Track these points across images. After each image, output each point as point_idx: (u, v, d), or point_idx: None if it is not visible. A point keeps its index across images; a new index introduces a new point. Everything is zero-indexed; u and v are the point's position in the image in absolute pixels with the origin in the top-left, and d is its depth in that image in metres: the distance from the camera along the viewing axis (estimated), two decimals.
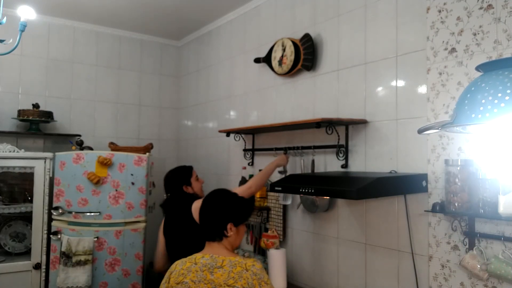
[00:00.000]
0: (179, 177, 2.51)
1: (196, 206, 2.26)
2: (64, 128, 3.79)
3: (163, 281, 1.72)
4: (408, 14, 2.12)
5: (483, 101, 1.08)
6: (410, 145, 2.06)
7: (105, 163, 3.01)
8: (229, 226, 1.73)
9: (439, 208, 1.84)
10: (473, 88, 1.14)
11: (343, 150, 2.38)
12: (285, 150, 2.73)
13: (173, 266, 1.72)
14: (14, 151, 3.08)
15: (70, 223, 3.01)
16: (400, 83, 2.14)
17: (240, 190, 2.31)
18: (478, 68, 1.22)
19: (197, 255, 1.71)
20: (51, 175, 3.14)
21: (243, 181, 3.07)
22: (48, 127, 3.68)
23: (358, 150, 2.34)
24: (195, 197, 2.43)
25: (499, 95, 1.06)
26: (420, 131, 1.40)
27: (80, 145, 3.41)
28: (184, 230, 2.31)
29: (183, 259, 1.72)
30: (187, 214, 2.29)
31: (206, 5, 3.43)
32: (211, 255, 1.68)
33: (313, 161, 2.55)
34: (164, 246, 2.46)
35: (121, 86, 4.14)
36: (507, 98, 1.04)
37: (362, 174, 2.08)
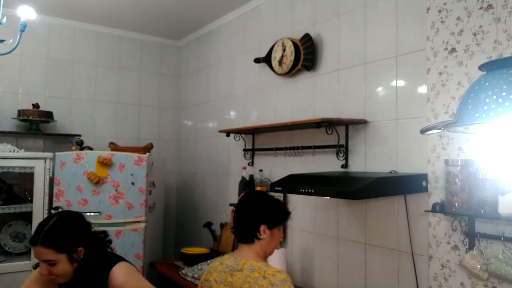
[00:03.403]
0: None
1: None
2: (64, 128, 3.78)
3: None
4: (408, 14, 2.12)
5: (487, 100, 1.08)
6: (410, 145, 2.06)
7: (105, 163, 3.01)
8: (262, 228, 1.66)
9: (439, 208, 1.84)
10: (476, 88, 1.14)
11: (343, 150, 2.38)
12: None
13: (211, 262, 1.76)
14: (14, 151, 3.08)
15: None
16: (400, 83, 2.14)
17: None
18: (481, 67, 1.21)
19: (226, 256, 1.72)
20: (51, 175, 3.14)
21: (243, 181, 3.07)
22: (48, 127, 3.68)
23: (358, 150, 2.34)
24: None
25: (503, 94, 1.06)
26: (423, 131, 1.39)
27: (80, 145, 3.41)
28: None
29: (217, 258, 1.75)
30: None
31: (206, 5, 3.43)
32: (235, 258, 1.67)
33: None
34: None
35: (121, 86, 4.14)
36: (511, 97, 1.04)
37: (362, 174, 2.08)
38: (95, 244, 1.71)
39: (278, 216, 1.75)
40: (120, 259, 1.75)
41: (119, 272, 1.66)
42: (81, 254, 1.64)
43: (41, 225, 1.62)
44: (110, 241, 1.79)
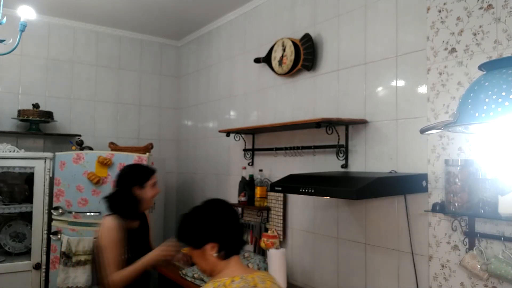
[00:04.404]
0: (135, 176, 2.20)
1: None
2: (64, 128, 3.78)
3: None
4: (408, 14, 2.12)
5: (487, 100, 1.07)
6: (410, 145, 2.06)
7: (105, 163, 3.01)
8: None
9: (439, 208, 1.84)
10: (476, 87, 1.14)
11: (343, 150, 2.38)
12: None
13: None
14: (14, 151, 3.08)
15: (70, 223, 3.01)
16: (400, 83, 2.14)
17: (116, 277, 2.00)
18: (480, 67, 1.21)
19: (226, 280, 1.36)
20: (51, 175, 3.14)
21: (243, 181, 3.07)
22: (48, 127, 3.68)
23: (358, 150, 2.34)
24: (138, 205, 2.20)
25: (503, 93, 1.05)
26: (423, 131, 1.39)
27: (80, 145, 3.41)
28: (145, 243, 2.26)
29: (209, 283, 1.39)
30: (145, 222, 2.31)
31: (206, 5, 3.43)
32: (241, 276, 1.38)
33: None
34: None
35: (121, 86, 4.14)
36: (511, 96, 1.04)
37: (362, 174, 2.08)
38: None
39: None
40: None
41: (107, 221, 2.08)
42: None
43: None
44: None
